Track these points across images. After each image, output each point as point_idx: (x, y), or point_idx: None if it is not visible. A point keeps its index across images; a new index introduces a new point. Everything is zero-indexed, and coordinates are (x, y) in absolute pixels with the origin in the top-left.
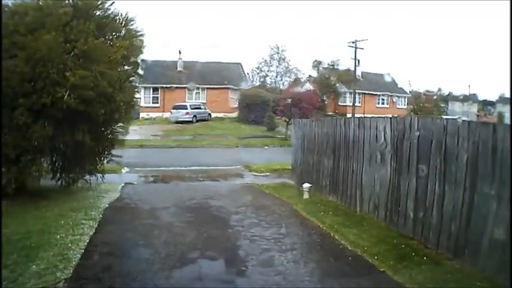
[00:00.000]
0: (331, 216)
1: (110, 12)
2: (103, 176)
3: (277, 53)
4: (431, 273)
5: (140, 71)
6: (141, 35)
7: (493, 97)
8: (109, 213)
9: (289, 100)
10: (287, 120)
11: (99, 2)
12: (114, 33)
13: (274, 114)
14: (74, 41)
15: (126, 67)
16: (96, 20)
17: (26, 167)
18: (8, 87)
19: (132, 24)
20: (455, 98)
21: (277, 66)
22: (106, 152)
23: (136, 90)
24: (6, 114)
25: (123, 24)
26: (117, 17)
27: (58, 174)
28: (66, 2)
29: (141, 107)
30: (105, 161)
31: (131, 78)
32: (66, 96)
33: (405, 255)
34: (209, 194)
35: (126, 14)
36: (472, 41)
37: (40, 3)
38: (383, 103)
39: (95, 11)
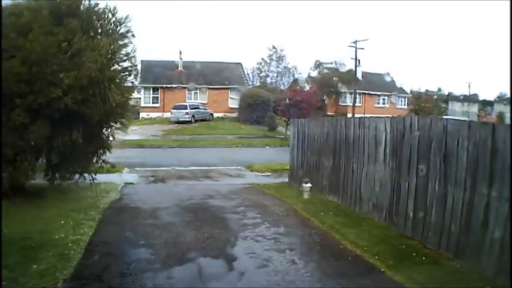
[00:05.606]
0: (331, 216)
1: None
2: (93, 178)
3: (276, 53)
4: (432, 273)
5: (135, 67)
6: (129, 21)
7: (494, 97)
8: (109, 213)
9: (288, 100)
10: (286, 120)
11: None
12: (101, 28)
13: (275, 114)
14: (66, 41)
15: (122, 64)
16: (83, 16)
17: (22, 166)
18: (5, 88)
19: (116, 13)
20: (456, 98)
21: (277, 66)
22: (100, 153)
23: (133, 90)
24: (4, 114)
25: (109, 16)
26: (100, 8)
27: (50, 174)
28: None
29: (141, 107)
30: (99, 163)
31: (128, 78)
32: (63, 96)
33: (405, 255)
34: (209, 194)
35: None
36: (472, 40)
37: (33, 2)
38: (383, 103)
39: (81, 7)
